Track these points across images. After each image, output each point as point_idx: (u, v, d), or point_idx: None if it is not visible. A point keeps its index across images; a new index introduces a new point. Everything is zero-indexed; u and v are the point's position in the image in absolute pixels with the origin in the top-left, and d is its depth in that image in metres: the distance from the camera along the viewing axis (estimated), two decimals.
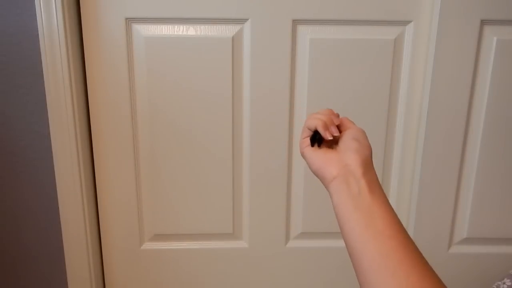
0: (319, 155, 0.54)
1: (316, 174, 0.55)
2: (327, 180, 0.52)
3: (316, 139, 0.56)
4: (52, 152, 0.96)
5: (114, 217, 1.06)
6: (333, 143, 0.56)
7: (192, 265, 1.11)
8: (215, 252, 1.10)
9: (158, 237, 1.08)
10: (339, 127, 0.57)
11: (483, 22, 0.93)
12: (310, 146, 0.56)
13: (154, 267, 1.10)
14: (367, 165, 0.50)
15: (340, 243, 1.17)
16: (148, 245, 1.09)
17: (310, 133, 0.57)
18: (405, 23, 0.96)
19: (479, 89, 0.98)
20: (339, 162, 0.52)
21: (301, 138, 0.58)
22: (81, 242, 1.02)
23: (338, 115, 0.59)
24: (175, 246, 1.09)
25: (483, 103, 0.99)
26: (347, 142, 0.53)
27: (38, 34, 0.89)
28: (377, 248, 0.45)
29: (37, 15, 0.87)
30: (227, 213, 1.07)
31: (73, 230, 1.01)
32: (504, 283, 0.93)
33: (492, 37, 0.95)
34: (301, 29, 0.96)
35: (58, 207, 1.00)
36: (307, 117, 0.58)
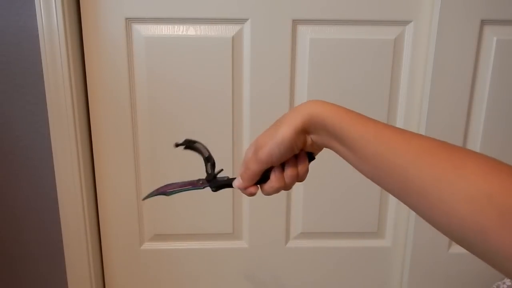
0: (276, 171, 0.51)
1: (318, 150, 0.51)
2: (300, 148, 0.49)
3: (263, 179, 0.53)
4: (52, 152, 0.96)
5: (114, 217, 1.06)
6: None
7: (192, 265, 1.11)
8: (215, 252, 1.10)
9: (158, 237, 1.08)
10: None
11: (483, 22, 0.93)
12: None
13: (154, 267, 1.10)
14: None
15: (340, 243, 1.18)
16: (148, 245, 1.09)
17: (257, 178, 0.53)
18: (405, 23, 0.96)
19: (479, 89, 0.98)
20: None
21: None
22: (81, 242, 1.02)
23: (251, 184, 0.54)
24: (175, 246, 1.09)
25: (483, 103, 0.99)
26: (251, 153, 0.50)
27: (38, 34, 0.89)
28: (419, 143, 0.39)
29: (37, 15, 0.87)
30: (227, 213, 1.07)
31: (73, 230, 1.01)
32: (504, 283, 0.93)
33: (492, 37, 0.95)
34: (301, 29, 0.96)
35: (58, 207, 1.00)
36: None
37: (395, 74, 0.99)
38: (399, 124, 1.02)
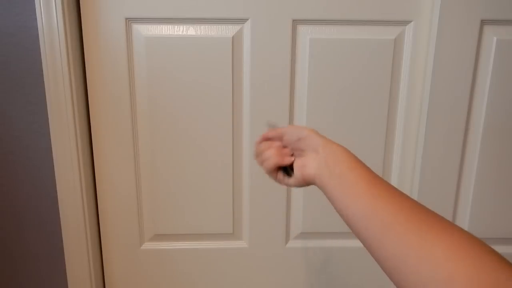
0: (297, 175, 0.59)
1: (305, 185, 0.59)
2: (314, 181, 0.56)
3: (286, 170, 0.61)
4: (52, 152, 0.96)
5: (114, 217, 1.06)
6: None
7: (192, 265, 1.11)
8: (215, 252, 1.10)
9: (158, 237, 1.08)
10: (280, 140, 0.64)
11: (483, 22, 0.93)
12: (288, 177, 0.61)
13: (154, 267, 1.10)
14: (324, 147, 0.55)
15: (340, 243, 1.18)
16: (148, 245, 1.09)
17: (275, 173, 0.63)
18: (405, 23, 0.96)
19: (479, 89, 0.98)
20: (308, 164, 0.57)
21: (276, 180, 0.63)
22: (81, 242, 1.02)
23: (264, 138, 0.66)
24: (175, 246, 1.09)
25: (483, 103, 0.99)
26: (296, 144, 0.59)
27: (38, 34, 0.89)
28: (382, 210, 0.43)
29: (37, 15, 0.87)
30: (227, 213, 1.07)
31: (73, 230, 1.01)
32: None
33: (492, 37, 0.95)
34: (301, 29, 0.96)
35: (58, 207, 1.00)
36: (258, 164, 0.65)
37: (395, 74, 0.99)
38: (399, 124, 1.02)
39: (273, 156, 0.61)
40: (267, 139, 0.64)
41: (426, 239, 0.36)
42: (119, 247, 1.08)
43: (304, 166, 0.57)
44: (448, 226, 0.38)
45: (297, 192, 1.06)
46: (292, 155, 0.61)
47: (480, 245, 0.35)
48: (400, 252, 0.38)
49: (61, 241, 1.02)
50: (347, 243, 1.10)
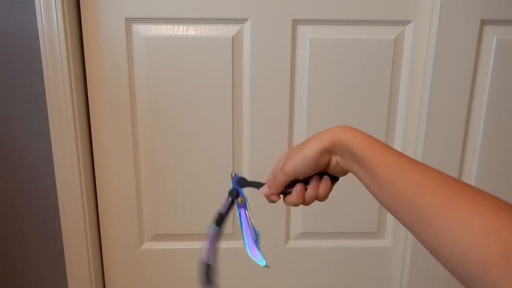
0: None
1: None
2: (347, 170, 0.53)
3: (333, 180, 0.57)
4: (52, 152, 0.96)
5: (114, 217, 1.06)
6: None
7: (192, 265, 1.10)
8: None
9: (158, 237, 1.08)
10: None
11: (483, 22, 0.93)
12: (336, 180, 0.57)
13: (154, 267, 1.10)
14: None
15: (340, 243, 1.18)
16: (148, 245, 1.09)
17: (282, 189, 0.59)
18: (405, 23, 0.96)
19: (479, 89, 0.98)
20: (333, 168, 0.54)
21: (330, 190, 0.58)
22: (81, 242, 1.02)
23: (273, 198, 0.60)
24: (175, 246, 1.09)
25: (483, 103, 0.99)
26: (312, 172, 0.54)
27: (38, 34, 0.89)
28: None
29: (37, 15, 0.87)
30: None
31: (73, 230, 1.01)
32: None
33: (492, 37, 0.95)
34: (301, 29, 0.96)
35: (58, 207, 0.99)
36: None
37: (395, 74, 0.99)
38: (399, 124, 1.02)
39: (319, 192, 0.56)
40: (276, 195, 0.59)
41: (456, 222, 0.36)
42: (119, 247, 1.08)
43: (334, 169, 0.54)
44: (475, 197, 0.38)
45: None
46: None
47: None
48: (434, 236, 0.38)
49: (61, 241, 1.02)
50: (347, 243, 1.09)
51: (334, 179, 0.56)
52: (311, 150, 0.50)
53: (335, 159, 0.52)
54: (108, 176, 1.03)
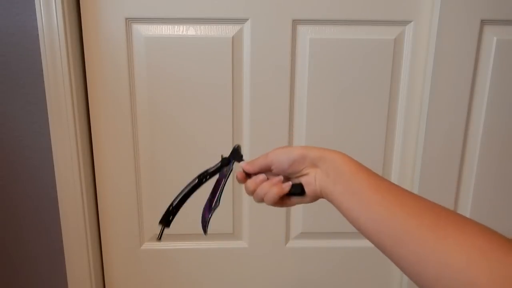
0: (308, 193, 0.56)
1: (317, 199, 0.57)
2: (321, 195, 0.54)
3: (295, 192, 0.57)
4: (52, 152, 0.96)
5: (114, 217, 1.06)
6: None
7: (192, 265, 1.11)
8: (215, 252, 1.10)
9: None
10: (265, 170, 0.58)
11: (483, 22, 0.93)
12: (302, 196, 0.57)
13: (154, 267, 1.10)
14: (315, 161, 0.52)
15: (340, 243, 1.18)
16: (148, 245, 1.09)
17: (281, 202, 0.59)
18: (405, 23, 0.96)
19: (479, 89, 0.98)
20: (311, 181, 0.54)
21: (288, 205, 0.60)
22: (81, 242, 1.02)
23: (244, 175, 0.60)
24: (175, 246, 1.09)
25: (483, 103, 0.99)
26: (291, 169, 0.54)
27: (38, 34, 0.89)
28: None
29: (37, 15, 0.87)
30: (227, 213, 1.07)
31: (73, 230, 1.01)
32: None
33: (492, 37, 0.95)
34: (301, 29, 0.96)
35: (58, 207, 0.99)
36: (257, 201, 0.60)
37: (395, 74, 0.99)
38: (399, 124, 1.02)
39: (271, 189, 0.56)
40: (247, 175, 0.59)
41: (444, 242, 0.36)
42: (119, 247, 1.08)
43: (308, 184, 0.54)
44: (462, 222, 0.37)
45: None
46: (288, 178, 0.56)
47: (499, 241, 0.35)
48: (419, 258, 0.38)
49: (61, 241, 1.02)
50: (347, 243, 1.09)
51: (297, 193, 0.56)
52: (297, 149, 0.52)
53: (314, 173, 0.52)
54: (108, 176, 1.03)
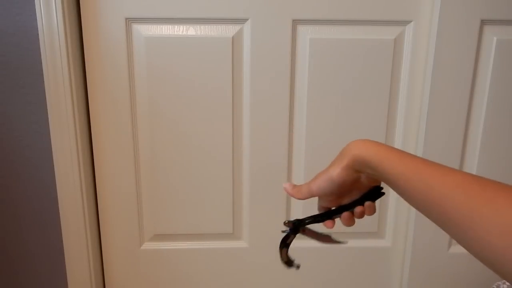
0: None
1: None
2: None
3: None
4: (52, 152, 0.96)
5: (114, 217, 1.06)
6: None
7: (192, 265, 1.11)
8: (215, 252, 1.10)
9: (158, 237, 1.08)
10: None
11: (483, 22, 0.93)
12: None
13: (154, 267, 1.10)
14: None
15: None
16: (148, 245, 1.09)
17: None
18: (405, 23, 0.96)
19: (479, 89, 0.98)
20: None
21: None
22: (81, 242, 1.02)
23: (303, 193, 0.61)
24: (175, 246, 1.09)
25: (483, 103, 0.99)
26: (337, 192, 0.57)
27: (38, 34, 0.89)
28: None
29: (37, 15, 0.87)
30: (227, 213, 1.07)
31: (73, 230, 1.01)
32: (504, 283, 0.93)
33: (492, 37, 0.95)
34: (301, 29, 0.96)
35: (58, 207, 0.99)
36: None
37: (395, 74, 0.99)
38: (399, 124, 1.02)
39: (353, 221, 0.62)
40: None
41: (491, 191, 0.38)
42: (119, 247, 1.08)
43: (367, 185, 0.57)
44: (502, 185, 0.39)
45: None
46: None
47: None
48: (466, 210, 0.38)
49: (61, 241, 1.02)
50: (347, 243, 1.09)
51: (379, 195, 0.59)
52: (334, 172, 0.52)
53: (362, 175, 0.53)
54: (108, 176, 1.03)
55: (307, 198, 0.58)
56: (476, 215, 0.37)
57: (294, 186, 0.60)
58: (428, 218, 0.43)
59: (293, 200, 1.07)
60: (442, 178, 0.42)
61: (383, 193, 0.58)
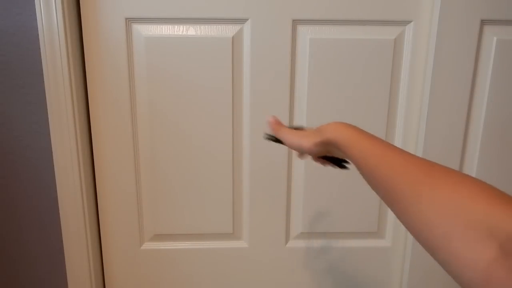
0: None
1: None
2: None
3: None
4: (52, 152, 0.96)
5: (114, 217, 1.06)
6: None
7: (192, 265, 1.11)
8: (215, 252, 1.10)
9: (158, 237, 1.08)
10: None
11: (483, 22, 0.93)
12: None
13: (154, 267, 1.10)
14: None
15: (340, 243, 1.18)
16: (148, 245, 1.09)
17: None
18: (405, 23, 0.96)
19: (479, 89, 0.98)
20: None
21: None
22: (81, 242, 1.02)
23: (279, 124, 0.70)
24: (175, 246, 1.09)
25: (483, 103, 0.99)
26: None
27: (38, 34, 0.89)
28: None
29: (37, 15, 0.87)
30: (227, 213, 1.07)
31: (73, 230, 1.01)
32: None
33: (492, 37, 0.95)
34: (301, 29, 0.96)
35: (58, 207, 1.00)
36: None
37: (395, 74, 0.99)
38: (399, 124, 1.02)
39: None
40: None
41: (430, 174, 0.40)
42: (119, 247, 1.08)
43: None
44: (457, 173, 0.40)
45: (297, 192, 1.06)
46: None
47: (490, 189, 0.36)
48: (409, 190, 0.41)
49: (61, 241, 1.02)
50: (347, 243, 1.10)
51: (340, 166, 0.65)
52: (306, 144, 0.60)
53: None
54: (108, 176, 1.03)
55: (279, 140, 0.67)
56: (417, 198, 0.39)
57: (278, 123, 0.68)
58: (384, 201, 0.47)
59: (293, 200, 1.07)
60: (391, 159, 0.45)
61: (346, 168, 0.65)
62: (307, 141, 0.59)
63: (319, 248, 1.11)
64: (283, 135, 0.66)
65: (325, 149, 0.58)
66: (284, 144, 0.66)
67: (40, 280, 1.06)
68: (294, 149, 0.64)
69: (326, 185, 1.04)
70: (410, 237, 1.04)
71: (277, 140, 0.69)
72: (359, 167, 0.50)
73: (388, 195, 0.44)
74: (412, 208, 0.39)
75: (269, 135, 0.70)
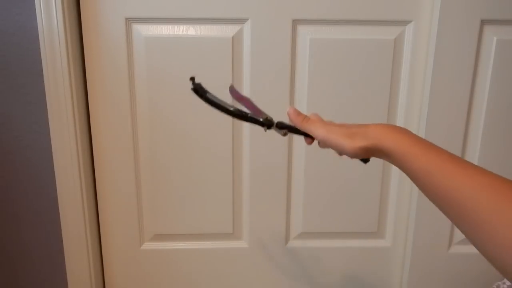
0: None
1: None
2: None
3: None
4: (52, 152, 0.96)
5: (114, 217, 1.06)
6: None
7: (192, 265, 1.11)
8: (215, 252, 1.10)
9: (158, 237, 1.08)
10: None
11: (483, 22, 0.93)
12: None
13: (154, 267, 1.10)
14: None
15: (340, 243, 1.17)
16: (148, 245, 1.09)
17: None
18: (405, 23, 0.96)
19: (479, 89, 0.98)
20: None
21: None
22: (81, 242, 1.02)
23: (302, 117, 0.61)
24: (175, 246, 1.09)
25: (483, 103, 0.99)
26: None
27: (38, 34, 0.89)
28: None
29: (37, 15, 0.87)
30: (227, 213, 1.07)
31: (73, 231, 1.01)
32: (504, 283, 0.93)
33: (492, 37, 0.95)
34: (301, 29, 0.96)
35: (58, 207, 1.00)
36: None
37: (395, 74, 0.99)
38: (399, 124, 1.02)
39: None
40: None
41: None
42: (119, 247, 1.08)
43: None
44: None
45: (297, 192, 1.06)
46: None
47: None
48: (487, 213, 0.38)
49: (61, 241, 1.02)
50: (347, 243, 1.09)
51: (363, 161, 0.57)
52: (349, 146, 0.51)
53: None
54: (108, 176, 1.03)
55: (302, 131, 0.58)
56: (498, 214, 0.37)
57: (299, 114, 0.59)
58: (443, 212, 0.43)
59: (293, 200, 1.07)
60: (468, 179, 0.41)
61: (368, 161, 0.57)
62: (351, 144, 0.51)
63: (319, 248, 1.11)
64: (315, 129, 0.56)
65: (367, 155, 0.51)
66: (307, 137, 0.58)
67: (40, 280, 1.06)
68: (327, 147, 0.55)
69: (326, 185, 1.04)
70: (410, 237, 1.04)
71: (295, 131, 0.60)
72: (419, 182, 0.45)
73: (459, 216, 0.40)
74: (489, 234, 0.37)
75: (285, 124, 0.61)
